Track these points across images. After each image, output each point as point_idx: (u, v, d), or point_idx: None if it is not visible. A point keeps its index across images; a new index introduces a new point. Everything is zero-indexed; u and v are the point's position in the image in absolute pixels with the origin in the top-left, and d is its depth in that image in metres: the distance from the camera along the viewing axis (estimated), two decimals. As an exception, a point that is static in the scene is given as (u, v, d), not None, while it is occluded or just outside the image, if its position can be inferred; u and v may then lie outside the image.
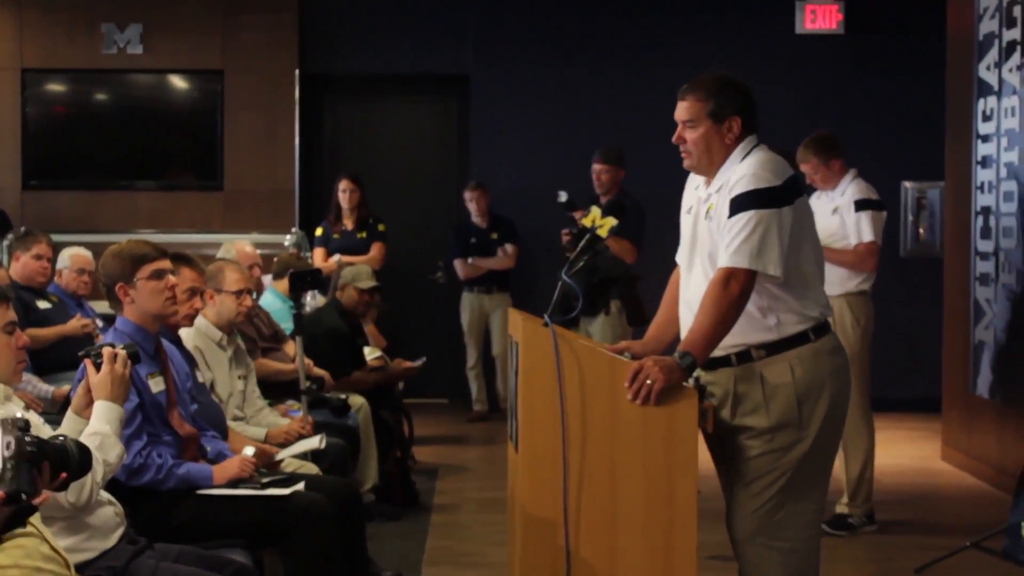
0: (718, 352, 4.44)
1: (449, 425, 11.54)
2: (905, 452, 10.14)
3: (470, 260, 11.73)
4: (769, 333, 4.43)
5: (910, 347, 11.89)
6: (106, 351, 4.21)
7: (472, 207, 11.77)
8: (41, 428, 4.00)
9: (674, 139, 4.59)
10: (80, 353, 4.29)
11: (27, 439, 3.17)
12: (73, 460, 3.35)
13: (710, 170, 4.56)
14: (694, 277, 4.55)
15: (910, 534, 7.72)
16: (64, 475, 3.34)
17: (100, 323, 8.65)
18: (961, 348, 9.56)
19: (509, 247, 11.73)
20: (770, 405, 4.41)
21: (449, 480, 9.27)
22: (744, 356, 4.45)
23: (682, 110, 4.56)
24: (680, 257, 4.69)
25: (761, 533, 4.43)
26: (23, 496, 3.14)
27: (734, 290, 4.31)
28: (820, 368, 4.43)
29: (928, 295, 11.55)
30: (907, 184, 12.17)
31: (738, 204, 4.36)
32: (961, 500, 8.74)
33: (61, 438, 3.37)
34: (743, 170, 4.42)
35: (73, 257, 8.97)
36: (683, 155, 4.59)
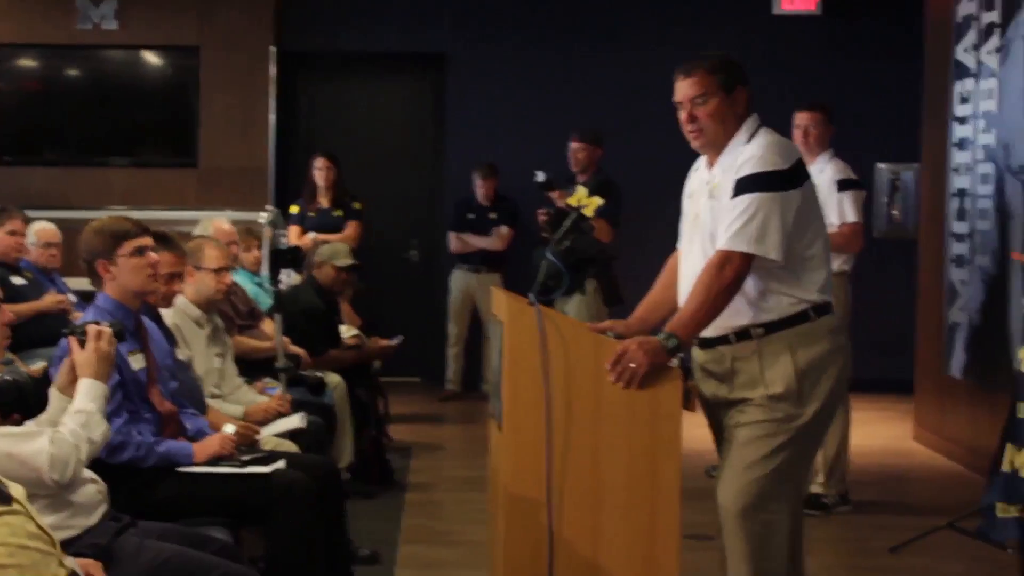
0: (716, 332, 4.45)
1: (422, 404, 11.54)
2: (877, 433, 10.19)
3: (461, 236, 11.70)
4: (768, 314, 4.42)
5: (882, 328, 11.91)
6: (91, 328, 4.18)
7: (483, 190, 11.72)
8: None
9: (683, 119, 4.51)
10: (64, 330, 4.27)
11: None
12: (28, 397, 3.29)
13: (721, 146, 4.50)
14: (693, 257, 4.53)
15: (884, 514, 7.76)
16: (15, 416, 3.29)
17: (74, 299, 8.62)
18: (935, 329, 9.61)
19: (504, 229, 11.64)
20: (767, 377, 4.40)
21: (423, 459, 9.27)
22: (743, 335, 4.45)
23: (690, 86, 4.48)
24: (681, 241, 4.69)
25: (752, 505, 4.42)
26: None
27: (728, 275, 4.30)
28: (820, 346, 4.43)
29: (901, 276, 11.59)
30: (881, 165, 12.19)
31: (743, 186, 4.35)
32: (934, 481, 8.79)
33: (10, 376, 3.30)
34: (750, 151, 4.40)
35: (39, 232, 8.95)
36: (692, 135, 4.53)
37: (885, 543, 6.95)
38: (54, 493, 3.97)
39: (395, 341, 8.94)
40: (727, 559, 4.54)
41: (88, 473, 4.17)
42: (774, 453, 4.41)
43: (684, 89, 4.50)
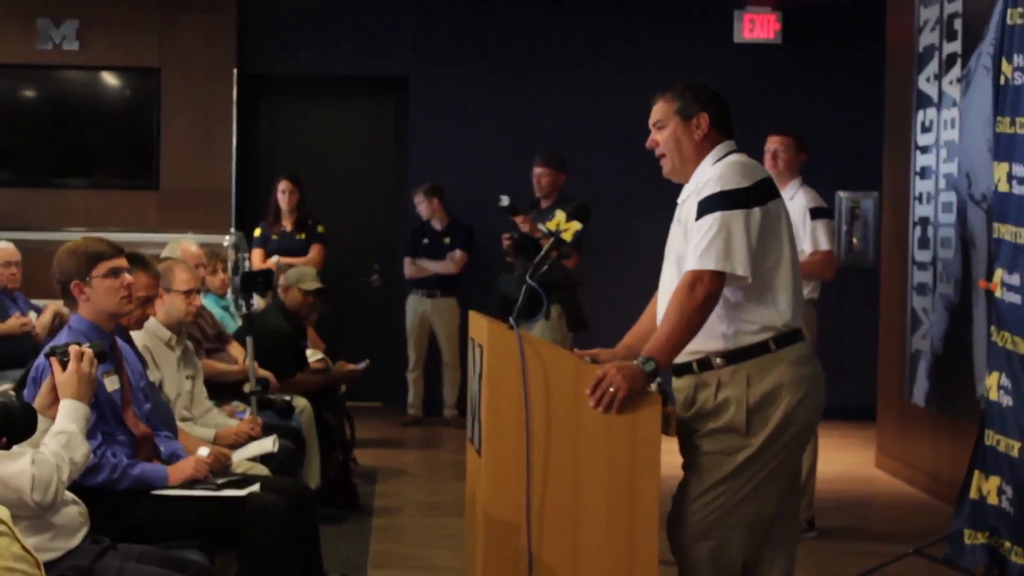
0: (682, 359, 4.47)
1: (385, 429, 11.50)
2: (839, 459, 10.21)
3: (416, 261, 11.68)
4: (727, 341, 4.45)
5: (843, 355, 11.97)
6: (73, 349, 4.16)
7: (421, 209, 11.70)
8: None
9: (647, 144, 4.63)
10: (45, 352, 4.25)
11: None
12: (17, 422, 3.27)
13: (684, 171, 4.59)
14: (668, 281, 4.56)
15: (849, 540, 7.80)
16: (4, 439, 3.27)
17: (35, 316, 8.56)
18: (897, 357, 9.66)
19: (457, 253, 11.63)
20: (719, 413, 4.44)
21: (388, 483, 9.24)
22: (704, 364, 4.48)
23: (653, 113, 4.61)
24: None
25: (696, 534, 4.47)
26: None
27: (699, 294, 4.32)
28: (778, 379, 4.43)
29: (861, 304, 11.66)
30: (841, 194, 12.27)
31: (705, 206, 4.39)
32: (897, 507, 8.84)
33: (0, 400, 3.28)
34: (712, 172, 4.45)
35: (-3, 252, 8.89)
36: (660, 162, 4.63)
37: (851, 569, 6.97)
38: (36, 514, 3.95)
39: (362, 365, 8.92)
40: None
41: (69, 495, 4.15)
42: (716, 486, 4.45)
43: (651, 116, 4.63)
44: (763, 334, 4.45)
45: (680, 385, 4.56)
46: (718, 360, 4.45)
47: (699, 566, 4.50)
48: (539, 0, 12.38)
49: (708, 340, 4.45)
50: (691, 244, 4.39)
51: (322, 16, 12.46)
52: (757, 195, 4.42)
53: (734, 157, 4.52)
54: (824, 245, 7.62)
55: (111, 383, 4.95)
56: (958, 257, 8.64)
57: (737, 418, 4.41)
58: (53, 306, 8.44)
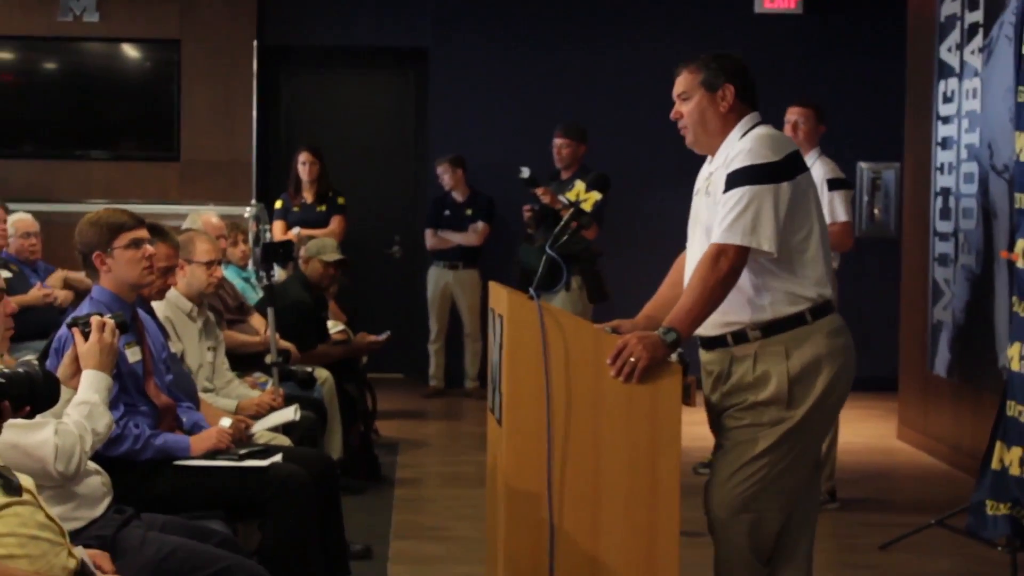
0: (715, 331, 4.46)
1: (406, 400, 11.53)
2: (861, 431, 10.21)
3: (438, 232, 11.70)
4: (763, 313, 4.42)
5: (864, 326, 11.92)
6: (95, 320, 4.17)
7: (445, 179, 11.72)
8: None
9: (672, 115, 4.60)
10: (67, 322, 4.27)
11: None
12: (40, 391, 3.29)
13: (709, 143, 4.56)
14: (695, 253, 4.54)
15: (871, 512, 7.80)
16: (28, 408, 3.29)
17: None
18: (919, 328, 9.64)
19: (480, 224, 11.65)
20: (760, 386, 4.41)
21: (410, 454, 9.27)
22: (740, 336, 4.45)
23: (677, 84, 4.58)
24: (688, 238, 4.72)
25: (736, 508, 4.46)
26: None
27: (723, 267, 4.30)
28: (816, 350, 4.41)
29: (882, 275, 11.63)
30: (863, 165, 12.23)
31: (733, 179, 4.36)
32: (918, 478, 8.83)
33: (23, 369, 3.29)
34: (741, 145, 4.42)
35: (16, 223, 8.93)
36: (682, 132, 4.60)
37: (874, 540, 6.99)
38: (59, 484, 3.97)
39: (383, 337, 8.94)
40: (715, 555, 4.61)
41: (92, 465, 4.17)
42: (757, 458, 4.42)
43: (675, 87, 4.59)
44: (799, 305, 4.43)
45: (712, 358, 4.53)
46: (754, 332, 4.43)
47: (737, 539, 4.49)
48: (559, -29, 12.37)
49: (743, 312, 4.43)
50: (718, 217, 4.37)
51: (343, -12, 12.45)
52: (787, 169, 4.40)
53: (762, 130, 4.50)
54: (842, 216, 7.60)
55: (133, 354, 4.97)
56: (980, 228, 8.62)
57: (779, 390, 4.39)
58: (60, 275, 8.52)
